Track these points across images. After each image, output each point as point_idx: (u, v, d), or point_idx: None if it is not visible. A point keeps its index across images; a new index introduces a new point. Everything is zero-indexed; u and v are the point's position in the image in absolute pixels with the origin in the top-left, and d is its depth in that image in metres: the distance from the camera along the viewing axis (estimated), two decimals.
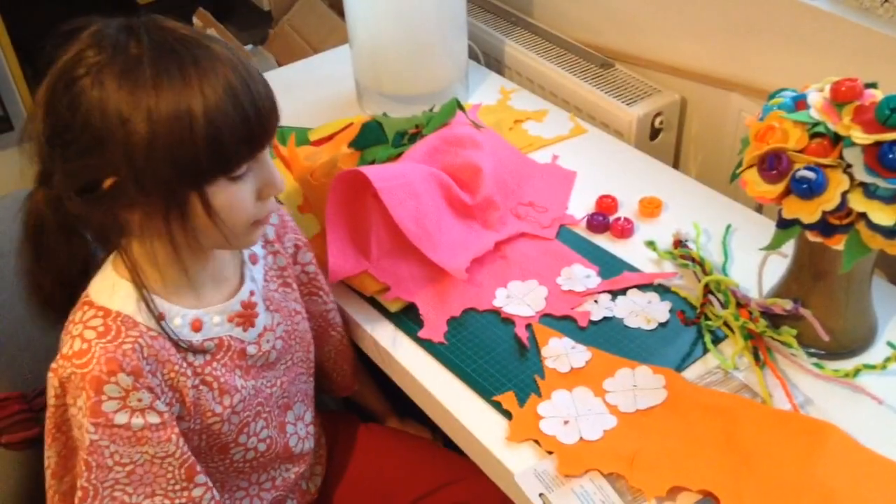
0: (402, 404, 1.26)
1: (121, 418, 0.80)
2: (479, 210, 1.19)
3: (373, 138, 1.29)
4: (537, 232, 1.19)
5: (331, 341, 1.14)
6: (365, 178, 1.10)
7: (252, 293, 0.93)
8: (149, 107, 0.73)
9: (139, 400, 0.80)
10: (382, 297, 1.11)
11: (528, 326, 1.05)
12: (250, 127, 0.77)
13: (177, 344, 0.85)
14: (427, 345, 1.04)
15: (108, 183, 0.76)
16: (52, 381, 0.81)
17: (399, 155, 1.24)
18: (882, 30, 1.08)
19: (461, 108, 1.30)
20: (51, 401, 0.83)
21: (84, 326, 0.81)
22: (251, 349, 0.92)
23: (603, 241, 1.18)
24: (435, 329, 1.06)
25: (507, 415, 0.94)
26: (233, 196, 0.80)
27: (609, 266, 1.13)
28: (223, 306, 0.90)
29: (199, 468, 0.87)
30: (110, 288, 0.83)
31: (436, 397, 0.98)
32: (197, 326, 0.87)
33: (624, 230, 1.17)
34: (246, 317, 0.92)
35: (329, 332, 1.13)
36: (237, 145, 0.77)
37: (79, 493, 0.82)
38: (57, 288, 0.85)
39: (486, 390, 0.97)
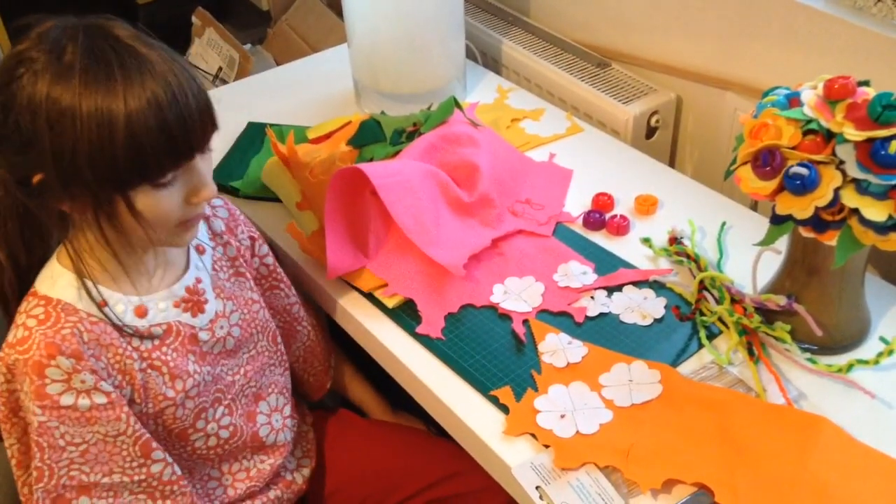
0: (392, 397, 1.27)
1: (66, 399, 0.82)
2: (476, 207, 1.20)
3: (371, 136, 1.30)
4: (534, 229, 1.20)
5: (298, 337, 1.15)
6: (363, 175, 1.11)
7: (199, 280, 0.95)
8: (73, 112, 0.75)
9: (83, 381, 0.83)
10: (380, 293, 1.11)
11: (525, 322, 1.06)
12: (173, 139, 0.78)
13: (120, 329, 0.87)
14: (425, 340, 1.05)
15: (36, 178, 0.79)
16: (2, 367, 0.84)
17: (397, 153, 1.25)
18: (875, 29, 1.09)
19: (458, 106, 1.31)
20: (1, 388, 0.85)
21: (27, 315, 0.84)
22: (203, 335, 0.94)
23: (599, 238, 1.19)
24: (433, 325, 1.06)
25: (504, 409, 0.95)
26: (157, 202, 0.81)
27: (605, 263, 1.14)
28: (167, 292, 0.92)
29: (154, 444, 0.89)
30: (52, 278, 0.86)
31: (433, 392, 0.99)
32: (141, 312, 0.89)
33: (620, 227, 1.18)
34: (193, 302, 0.94)
35: (295, 327, 1.14)
36: (158, 156, 0.78)
37: (34, 474, 0.84)
38: (12, 278, 0.88)
39: (482, 385, 0.98)
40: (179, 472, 0.92)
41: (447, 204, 1.19)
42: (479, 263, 1.15)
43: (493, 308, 1.09)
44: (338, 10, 1.93)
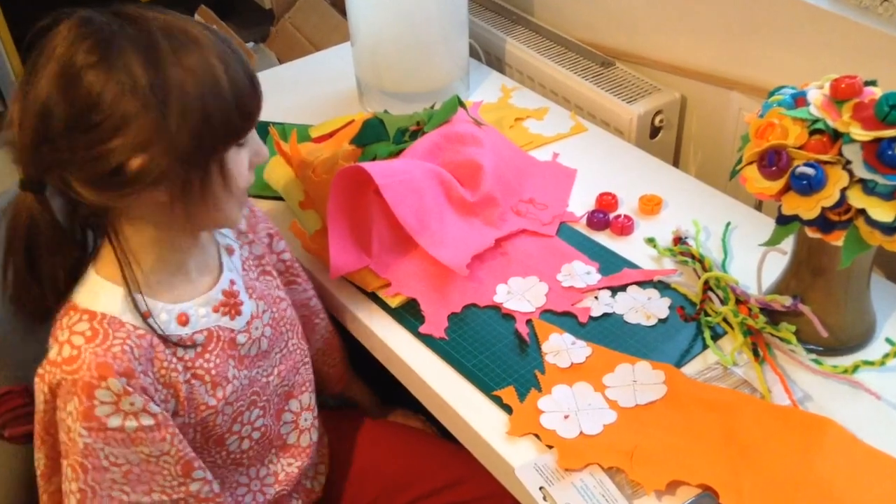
0: (383, 390, 1.27)
1: (114, 422, 0.80)
2: (479, 207, 1.20)
3: (374, 135, 1.30)
4: (538, 229, 1.19)
5: (317, 330, 1.14)
6: (366, 174, 1.10)
7: (233, 282, 0.94)
8: (176, 75, 0.75)
9: (132, 404, 0.80)
10: (383, 292, 1.11)
11: (529, 322, 1.05)
12: (256, 91, 0.82)
13: (165, 340, 0.85)
14: (428, 340, 1.04)
15: (136, 163, 0.76)
16: (41, 387, 0.82)
17: (400, 152, 1.25)
18: (882, 28, 1.08)
19: (462, 105, 1.30)
20: (39, 405, 0.83)
21: (71, 332, 0.81)
22: (241, 338, 0.93)
23: (603, 238, 1.18)
24: (436, 324, 1.06)
25: (508, 409, 0.94)
26: (239, 163, 0.84)
27: (609, 263, 1.13)
28: (205, 297, 0.90)
29: (196, 463, 0.87)
30: (94, 290, 0.83)
31: (436, 392, 0.99)
32: (183, 320, 0.88)
33: (624, 227, 1.17)
34: (231, 305, 0.92)
35: (314, 320, 1.13)
36: (251, 108, 0.82)
37: (76, 496, 0.82)
38: (49, 295, 0.85)
39: (486, 385, 0.98)
40: (217, 490, 0.90)
41: (450, 203, 1.18)
42: (483, 263, 1.14)
43: (496, 308, 1.08)
44: (341, 9, 1.93)
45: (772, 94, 0.95)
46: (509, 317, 1.07)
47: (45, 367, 0.81)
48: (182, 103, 0.76)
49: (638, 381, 0.95)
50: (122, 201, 0.80)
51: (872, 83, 0.89)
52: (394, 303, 1.10)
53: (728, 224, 1.17)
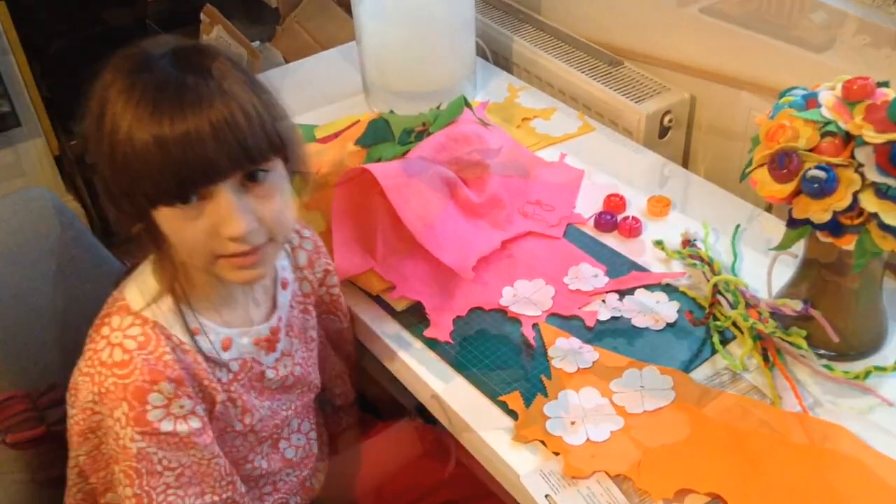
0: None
1: (166, 426, 0.81)
2: (485, 208, 1.18)
3: (379, 136, 1.28)
4: (544, 231, 1.18)
5: (342, 353, 1.14)
6: (371, 175, 1.09)
7: (280, 319, 0.94)
8: (109, 126, 0.75)
9: (181, 406, 0.82)
10: (388, 295, 1.10)
11: (535, 326, 1.04)
12: (174, 170, 0.75)
13: (207, 358, 0.86)
14: (433, 344, 1.03)
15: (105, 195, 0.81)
16: (87, 386, 0.81)
17: (405, 153, 1.23)
18: (894, 28, 1.07)
19: (468, 105, 1.29)
20: (86, 404, 0.82)
21: (123, 335, 0.81)
22: (270, 373, 0.93)
23: (611, 240, 1.17)
24: (441, 328, 1.05)
25: (514, 415, 0.93)
26: (179, 226, 0.78)
27: (617, 265, 1.12)
28: (254, 329, 0.91)
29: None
30: (146, 292, 0.84)
31: (441, 397, 0.97)
32: (226, 345, 0.88)
33: (632, 229, 1.16)
34: (271, 342, 0.93)
35: (344, 346, 1.14)
36: (159, 183, 0.75)
37: (132, 501, 0.83)
38: (83, 320, 0.87)
39: (491, 390, 0.96)
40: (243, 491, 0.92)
41: (456, 205, 1.17)
42: (489, 265, 1.13)
43: (502, 311, 1.07)
44: (347, 8, 1.91)
45: (782, 95, 0.93)
46: (515, 320, 1.06)
47: (96, 367, 0.81)
48: (105, 151, 0.76)
49: (646, 387, 0.93)
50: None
51: (885, 84, 0.88)
52: (399, 306, 1.09)
53: (738, 226, 1.16)
